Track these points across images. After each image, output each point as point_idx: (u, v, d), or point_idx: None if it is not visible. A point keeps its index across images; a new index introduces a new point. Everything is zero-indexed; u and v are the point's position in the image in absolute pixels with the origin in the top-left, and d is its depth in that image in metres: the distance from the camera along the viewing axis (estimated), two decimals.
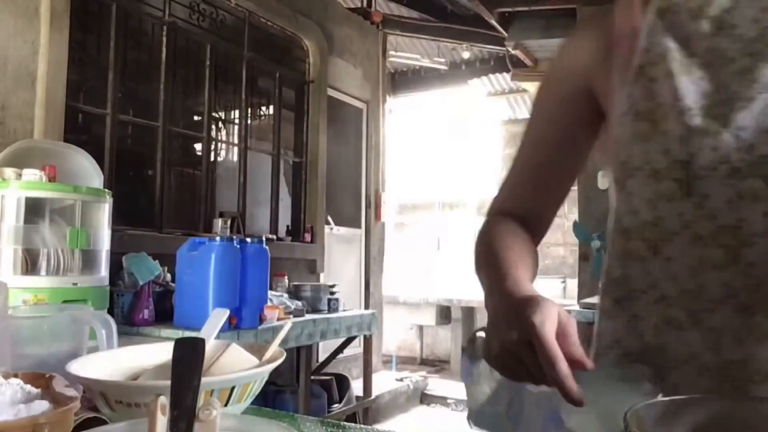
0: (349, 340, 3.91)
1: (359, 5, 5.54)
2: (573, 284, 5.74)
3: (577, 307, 3.55)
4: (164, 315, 2.77)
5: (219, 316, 0.89)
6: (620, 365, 0.80)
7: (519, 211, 0.93)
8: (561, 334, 0.63)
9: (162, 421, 0.46)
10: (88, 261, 2.23)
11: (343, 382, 4.15)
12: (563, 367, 0.59)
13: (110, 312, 2.39)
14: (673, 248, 0.76)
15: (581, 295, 4.08)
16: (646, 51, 0.81)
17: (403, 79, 7.82)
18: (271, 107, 4.54)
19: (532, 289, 0.73)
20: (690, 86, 0.76)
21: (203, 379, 0.51)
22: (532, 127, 0.95)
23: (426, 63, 7.29)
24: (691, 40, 0.77)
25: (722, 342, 0.74)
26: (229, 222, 3.78)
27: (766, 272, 0.72)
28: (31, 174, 2.08)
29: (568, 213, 5.73)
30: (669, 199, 0.75)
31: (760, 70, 0.72)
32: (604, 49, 0.85)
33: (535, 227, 0.93)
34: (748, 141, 0.71)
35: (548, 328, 0.61)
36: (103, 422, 0.69)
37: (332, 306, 3.56)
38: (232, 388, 0.70)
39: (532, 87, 6.42)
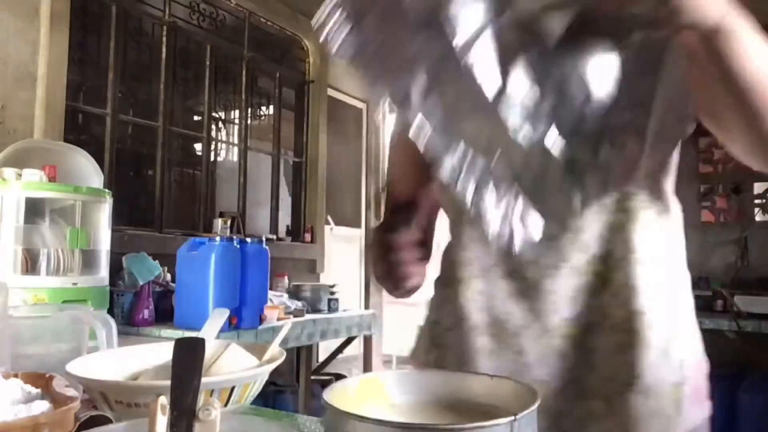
0: (349, 340, 3.90)
1: None
2: None
3: None
4: (164, 315, 2.77)
5: (219, 316, 0.89)
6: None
7: None
8: None
9: (162, 421, 0.46)
10: (88, 261, 2.23)
11: None
12: None
13: (110, 312, 2.39)
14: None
15: None
16: None
17: None
18: (271, 107, 4.54)
19: None
20: None
21: (203, 379, 0.51)
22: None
23: None
24: None
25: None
26: (229, 222, 3.78)
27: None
28: (31, 174, 2.08)
29: None
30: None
31: None
32: None
33: None
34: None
35: None
36: (108, 421, 0.69)
37: (332, 306, 3.56)
38: (232, 388, 0.70)
39: None
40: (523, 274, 0.81)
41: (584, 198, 0.62)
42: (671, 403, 0.77)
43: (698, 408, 0.81)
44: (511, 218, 0.60)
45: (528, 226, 0.60)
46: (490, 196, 0.60)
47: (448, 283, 0.89)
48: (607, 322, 0.79)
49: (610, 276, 0.79)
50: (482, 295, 0.84)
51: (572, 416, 0.78)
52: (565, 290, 0.79)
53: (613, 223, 0.79)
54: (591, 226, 0.79)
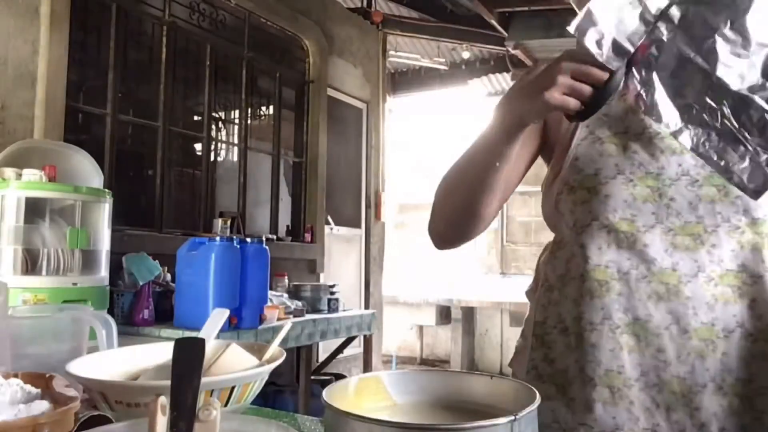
0: (349, 340, 3.91)
1: (359, 5, 5.54)
2: None
3: None
4: (164, 315, 2.77)
5: (219, 316, 0.89)
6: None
7: None
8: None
9: (162, 421, 0.46)
10: (88, 261, 2.23)
11: None
12: None
13: (110, 312, 2.39)
14: (650, 238, 0.92)
15: None
16: None
17: (403, 79, 7.81)
18: (271, 107, 4.54)
19: None
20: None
21: (203, 379, 0.52)
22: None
23: (426, 63, 7.29)
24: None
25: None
26: (229, 222, 3.78)
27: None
28: (31, 174, 2.08)
29: None
30: (644, 200, 0.93)
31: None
32: None
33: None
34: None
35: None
36: (108, 421, 0.69)
37: (332, 306, 3.56)
38: (232, 388, 0.70)
39: None
40: (661, 280, 0.91)
41: None
42: None
43: None
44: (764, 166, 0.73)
45: None
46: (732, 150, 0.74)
47: (566, 285, 0.96)
48: (742, 330, 0.88)
49: (745, 290, 0.89)
50: (622, 296, 0.92)
51: (709, 411, 0.87)
52: (701, 297, 0.89)
53: (748, 243, 0.90)
54: (727, 244, 0.90)
